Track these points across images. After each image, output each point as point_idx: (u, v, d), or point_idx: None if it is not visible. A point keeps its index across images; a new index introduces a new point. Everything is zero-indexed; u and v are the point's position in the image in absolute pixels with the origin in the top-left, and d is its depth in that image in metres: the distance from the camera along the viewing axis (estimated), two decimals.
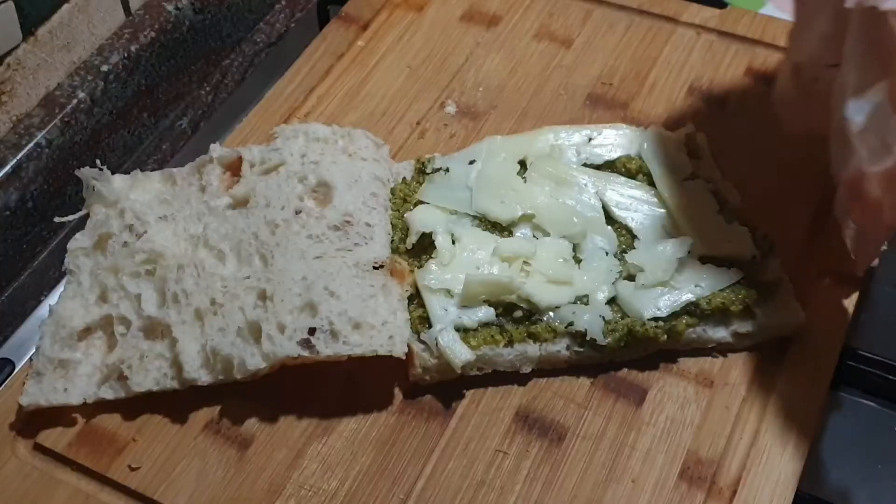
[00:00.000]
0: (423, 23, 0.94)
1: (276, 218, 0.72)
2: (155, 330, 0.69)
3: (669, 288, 0.70)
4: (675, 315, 0.69)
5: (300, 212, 0.72)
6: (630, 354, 0.70)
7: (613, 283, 0.71)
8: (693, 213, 0.74)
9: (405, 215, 0.75)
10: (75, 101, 0.88)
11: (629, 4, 0.94)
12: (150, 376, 0.67)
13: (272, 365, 0.65)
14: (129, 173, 0.77)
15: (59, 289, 0.75)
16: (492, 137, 0.80)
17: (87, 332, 0.70)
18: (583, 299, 0.70)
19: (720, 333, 0.70)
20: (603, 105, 0.86)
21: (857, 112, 0.59)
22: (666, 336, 0.68)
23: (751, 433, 0.66)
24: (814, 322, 0.70)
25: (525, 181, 0.76)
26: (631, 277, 0.71)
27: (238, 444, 0.67)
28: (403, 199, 0.77)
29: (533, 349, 0.68)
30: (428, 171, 0.78)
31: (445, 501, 0.64)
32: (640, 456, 0.66)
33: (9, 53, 0.83)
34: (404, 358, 0.67)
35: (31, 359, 0.70)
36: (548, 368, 0.69)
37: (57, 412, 0.68)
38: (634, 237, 0.73)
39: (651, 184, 0.76)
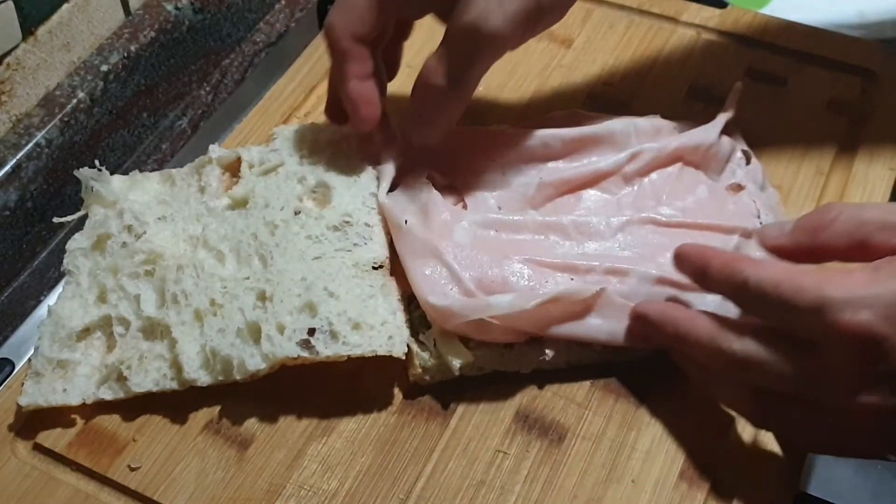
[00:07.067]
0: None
1: (276, 218, 0.72)
2: (154, 330, 0.69)
3: None
4: None
5: (299, 212, 0.72)
6: (630, 354, 0.69)
7: None
8: None
9: None
10: (75, 100, 0.88)
11: (629, 4, 0.94)
12: (149, 377, 0.67)
13: (272, 365, 0.65)
14: (128, 173, 0.77)
15: (59, 289, 0.75)
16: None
17: (86, 332, 0.70)
18: None
19: None
20: (603, 105, 0.86)
21: None
22: None
23: (751, 433, 0.66)
24: None
25: None
26: None
27: (238, 444, 0.67)
28: None
29: (532, 350, 0.68)
30: None
31: (445, 501, 0.64)
32: (640, 456, 0.65)
33: (8, 53, 0.83)
34: (404, 358, 0.67)
35: (30, 359, 0.70)
36: (548, 369, 0.69)
37: (56, 412, 0.68)
38: None
39: None
